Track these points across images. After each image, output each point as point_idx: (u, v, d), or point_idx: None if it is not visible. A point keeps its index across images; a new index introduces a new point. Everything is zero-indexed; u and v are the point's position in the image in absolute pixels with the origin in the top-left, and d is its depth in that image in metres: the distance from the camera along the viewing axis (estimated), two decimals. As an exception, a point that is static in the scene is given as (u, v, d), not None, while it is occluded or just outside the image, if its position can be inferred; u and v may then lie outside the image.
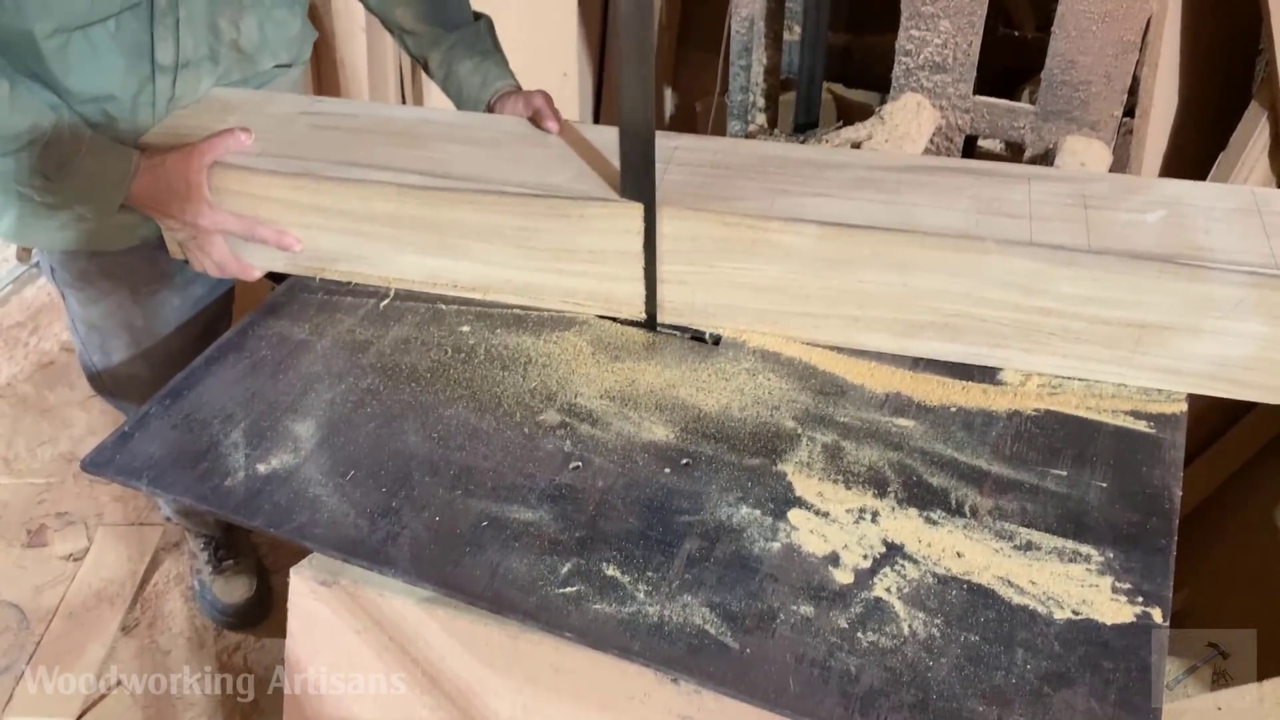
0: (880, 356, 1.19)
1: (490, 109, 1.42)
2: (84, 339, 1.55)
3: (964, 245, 1.08)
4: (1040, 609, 0.92)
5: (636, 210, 1.15)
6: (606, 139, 1.26)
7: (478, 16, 1.51)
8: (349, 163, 1.24)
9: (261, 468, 1.08)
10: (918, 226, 1.09)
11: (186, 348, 1.49)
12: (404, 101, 2.25)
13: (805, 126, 1.90)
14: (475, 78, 1.44)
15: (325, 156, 1.25)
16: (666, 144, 1.24)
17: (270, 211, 1.27)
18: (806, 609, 0.93)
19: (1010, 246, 1.07)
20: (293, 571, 1.10)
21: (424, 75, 2.26)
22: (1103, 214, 1.10)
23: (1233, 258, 1.03)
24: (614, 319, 1.26)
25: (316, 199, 1.25)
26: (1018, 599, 0.93)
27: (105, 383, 1.60)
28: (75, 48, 1.21)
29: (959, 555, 0.97)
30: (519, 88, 1.43)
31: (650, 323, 1.24)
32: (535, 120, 1.32)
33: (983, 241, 1.07)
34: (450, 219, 1.22)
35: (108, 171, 1.23)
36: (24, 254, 2.87)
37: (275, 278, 1.36)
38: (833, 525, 1.01)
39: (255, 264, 1.33)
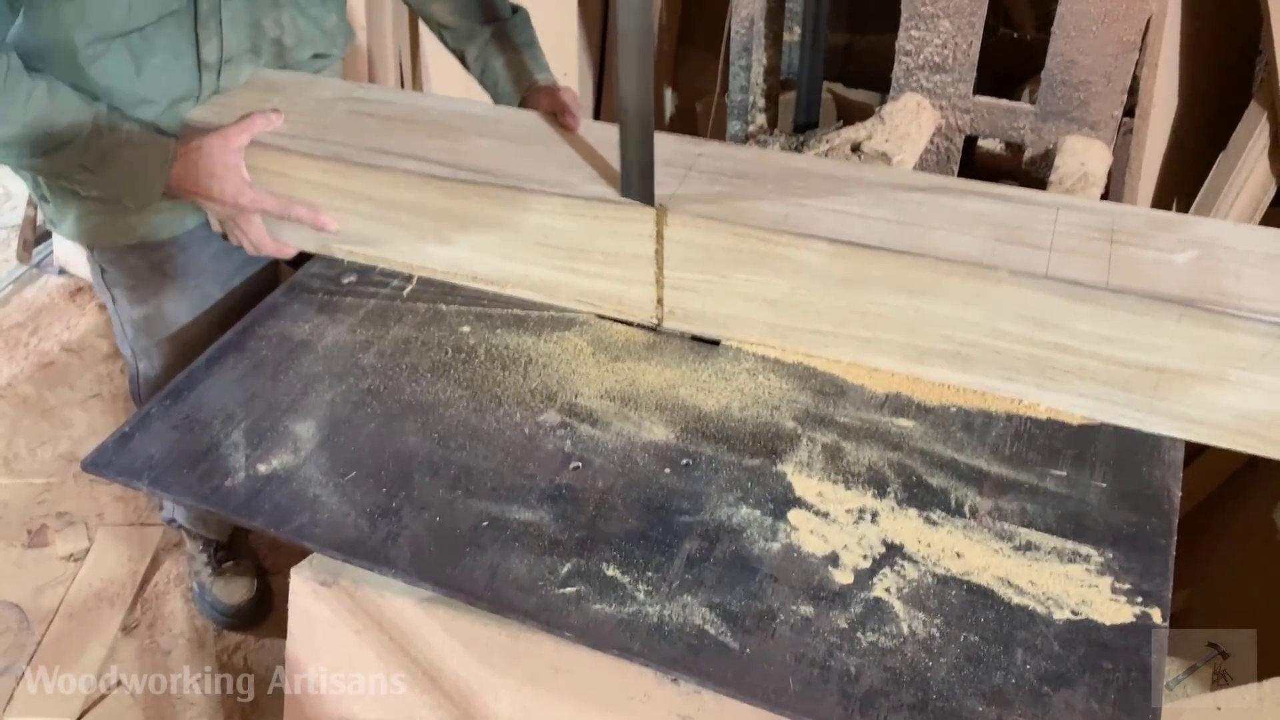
0: (880, 357, 1.18)
1: (524, 103, 1.43)
2: (132, 343, 1.56)
3: (976, 273, 1.05)
4: (1040, 609, 0.92)
5: (649, 214, 1.15)
6: None
7: (515, 9, 1.52)
8: (379, 150, 1.25)
9: (262, 468, 1.08)
10: (930, 250, 1.06)
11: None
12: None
13: (805, 127, 1.90)
14: (510, 72, 1.45)
15: (357, 142, 1.27)
16: (690, 150, 1.24)
17: (303, 192, 1.29)
18: (806, 609, 0.93)
19: (1023, 278, 1.03)
20: (293, 572, 1.10)
21: (422, 73, 2.27)
22: (1129, 250, 1.05)
23: (1262, 306, 0.98)
24: (625, 322, 1.26)
25: (345, 183, 1.26)
26: (1017, 599, 0.93)
27: (147, 390, 1.61)
28: (115, 55, 1.23)
29: (958, 555, 0.97)
30: (554, 82, 1.44)
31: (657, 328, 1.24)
32: (556, 115, 1.33)
33: (995, 270, 1.04)
34: (472, 211, 1.23)
35: (147, 160, 1.25)
36: (24, 254, 2.87)
37: (292, 264, 1.39)
38: (832, 525, 1.01)
39: (293, 243, 1.35)
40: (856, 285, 1.10)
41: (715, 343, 1.23)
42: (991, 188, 1.18)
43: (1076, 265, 1.04)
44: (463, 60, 1.53)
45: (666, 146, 1.23)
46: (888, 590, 0.94)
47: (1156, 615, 0.92)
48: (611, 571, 0.97)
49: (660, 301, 1.22)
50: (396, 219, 1.28)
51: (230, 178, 1.26)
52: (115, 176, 1.25)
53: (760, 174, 1.20)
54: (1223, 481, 1.71)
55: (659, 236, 1.16)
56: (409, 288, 1.32)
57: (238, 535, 1.98)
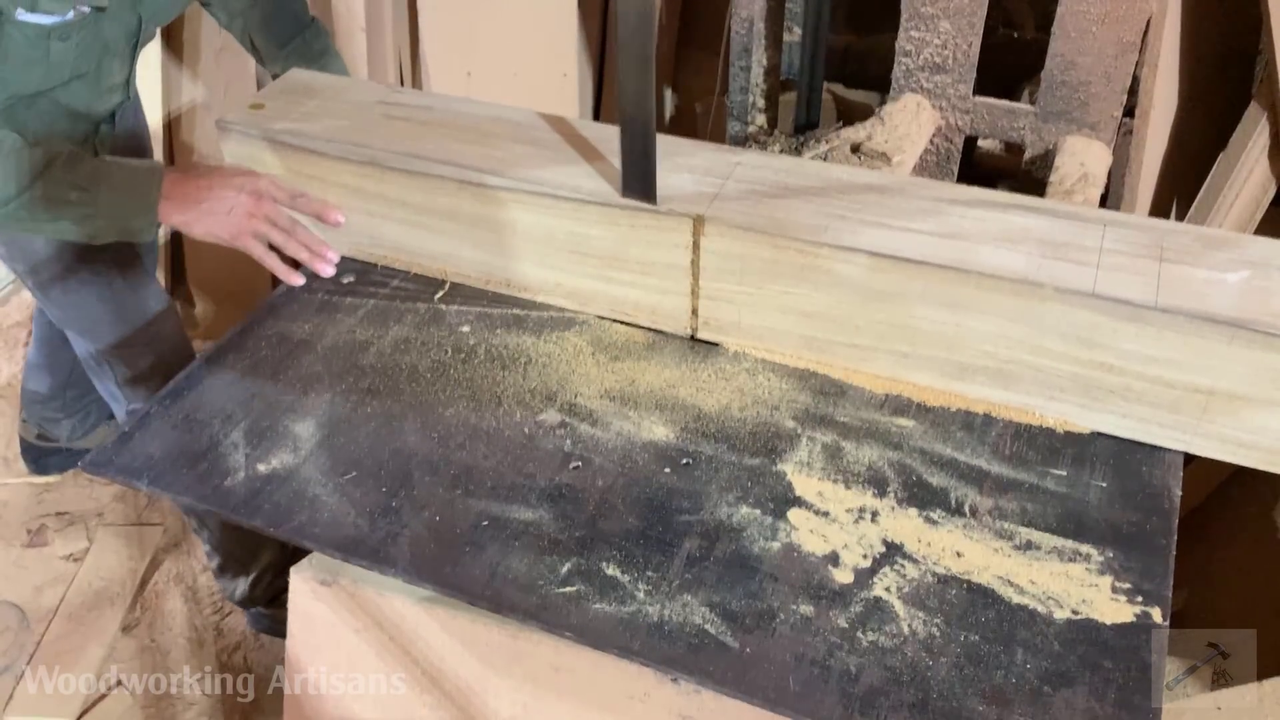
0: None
1: None
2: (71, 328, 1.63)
3: (1021, 290, 1.03)
4: (1040, 608, 0.92)
5: (686, 224, 1.14)
6: (668, 148, 1.23)
7: (311, 21, 1.59)
8: (414, 155, 1.25)
9: (261, 467, 1.08)
10: (974, 266, 1.04)
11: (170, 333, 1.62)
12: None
13: (805, 127, 1.90)
14: None
15: (393, 147, 1.26)
16: (729, 159, 1.22)
17: (337, 196, 1.30)
18: (806, 608, 0.93)
19: (1070, 295, 1.01)
20: (293, 571, 1.10)
21: (421, 73, 2.27)
22: (1179, 269, 1.03)
23: None
24: (627, 323, 1.26)
25: (381, 188, 1.27)
26: (1017, 598, 0.93)
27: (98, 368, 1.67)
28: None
29: (959, 555, 0.97)
30: None
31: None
32: None
33: (1041, 287, 1.02)
34: (506, 218, 1.23)
35: (138, 173, 1.26)
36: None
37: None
38: (832, 525, 1.01)
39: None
40: (897, 299, 1.09)
41: (715, 342, 1.23)
42: (1037, 202, 1.16)
43: (1124, 283, 1.02)
44: (273, 75, 1.59)
45: (703, 156, 1.23)
46: (888, 590, 0.94)
47: (1157, 615, 0.92)
48: (611, 571, 0.97)
49: (695, 312, 1.21)
50: (431, 224, 1.28)
51: (231, 166, 1.27)
52: (110, 192, 1.24)
53: (799, 185, 1.18)
54: (1223, 481, 1.71)
55: (695, 246, 1.15)
56: (440, 293, 1.31)
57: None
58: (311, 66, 1.52)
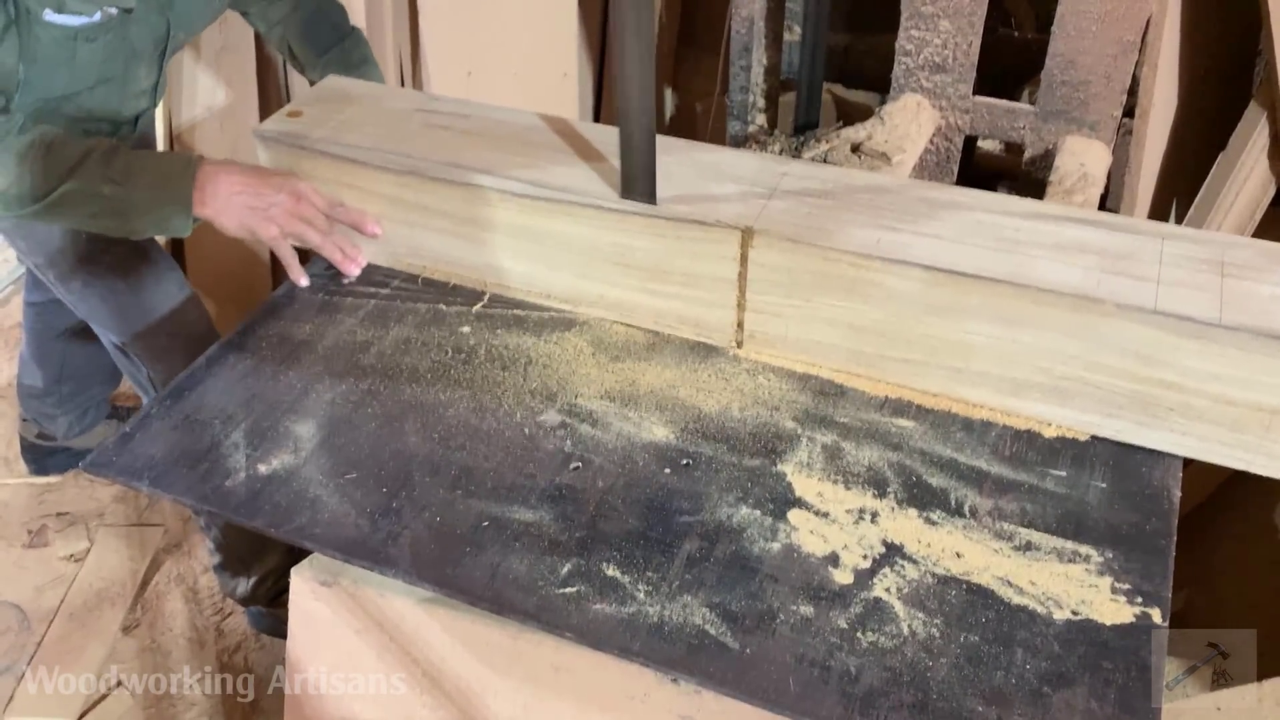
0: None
1: None
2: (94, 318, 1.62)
3: (1080, 305, 1.01)
4: (1040, 609, 0.93)
5: (734, 236, 1.12)
6: (713, 158, 1.23)
7: (352, 30, 1.61)
8: (455, 164, 1.24)
9: (262, 468, 1.08)
10: (1032, 280, 1.03)
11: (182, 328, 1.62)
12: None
13: (805, 127, 1.90)
14: None
15: (433, 156, 1.26)
16: (775, 169, 1.21)
17: (376, 206, 1.29)
18: (806, 609, 0.93)
19: (1131, 311, 1.00)
20: (293, 571, 1.10)
21: (422, 73, 2.27)
22: (1242, 284, 1.01)
23: None
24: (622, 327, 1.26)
25: (420, 198, 1.26)
26: (1017, 599, 0.93)
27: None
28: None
29: (958, 555, 0.97)
30: None
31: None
32: None
33: (1102, 303, 1.00)
34: (547, 229, 1.22)
35: (172, 164, 1.27)
36: (24, 254, 2.86)
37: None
38: (832, 525, 1.01)
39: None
40: (951, 314, 1.07)
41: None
42: (1093, 215, 1.14)
43: (1186, 299, 1.00)
44: (310, 81, 1.61)
45: (750, 166, 1.22)
46: (888, 590, 0.95)
47: (1156, 615, 0.92)
48: (611, 571, 0.97)
49: (740, 325, 1.19)
50: (471, 235, 1.27)
51: (268, 167, 1.28)
52: (143, 184, 1.25)
53: (848, 196, 1.16)
54: (1223, 482, 1.72)
55: (743, 259, 1.14)
56: (478, 305, 1.30)
57: None
58: (350, 75, 1.52)
